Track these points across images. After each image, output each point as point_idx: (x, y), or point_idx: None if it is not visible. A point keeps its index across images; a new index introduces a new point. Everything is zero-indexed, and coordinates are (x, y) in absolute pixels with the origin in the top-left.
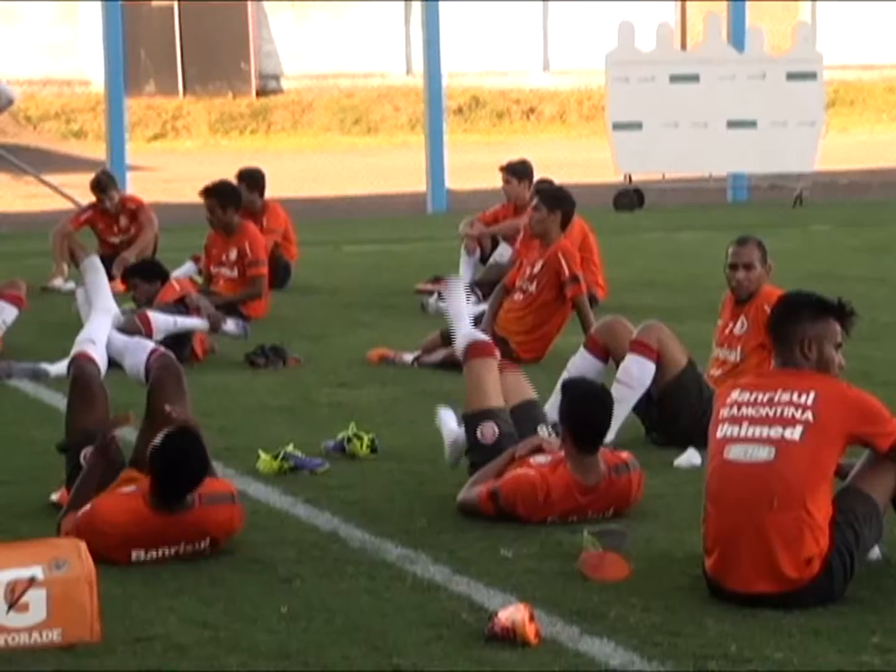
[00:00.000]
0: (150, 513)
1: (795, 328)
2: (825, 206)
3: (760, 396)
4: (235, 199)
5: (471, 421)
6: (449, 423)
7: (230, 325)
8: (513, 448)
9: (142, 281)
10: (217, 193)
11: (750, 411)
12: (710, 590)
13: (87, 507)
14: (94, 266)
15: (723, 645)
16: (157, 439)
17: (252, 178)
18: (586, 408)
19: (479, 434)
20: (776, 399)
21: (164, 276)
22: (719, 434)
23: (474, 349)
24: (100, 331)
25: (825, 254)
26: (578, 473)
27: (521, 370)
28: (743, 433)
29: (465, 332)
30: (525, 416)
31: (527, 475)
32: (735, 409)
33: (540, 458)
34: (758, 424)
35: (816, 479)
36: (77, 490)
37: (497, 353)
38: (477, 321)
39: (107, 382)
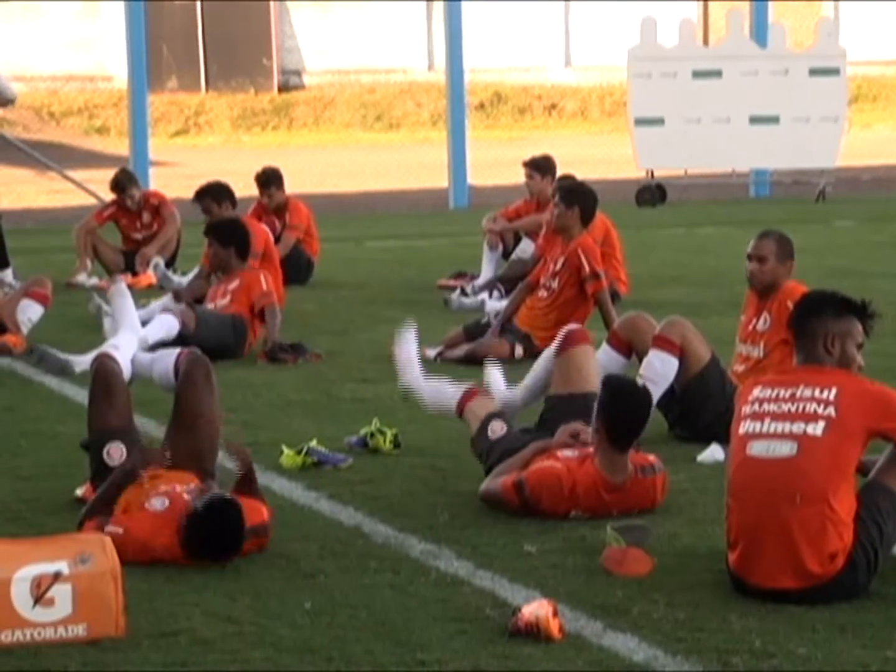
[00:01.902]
0: (182, 553)
1: (819, 324)
2: (848, 201)
3: (782, 392)
4: (230, 195)
5: (480, 431)
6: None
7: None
8: (540, 441)
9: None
10: (210, 192)
11: (772, 407)
12: (734, 585)
13: (118, 529)
14: (122, 292)
15: (747, 640)
16: (199, 504)
17: (275, 176)
18: (626, 405)
19: (489, 432)
20: (798, 395)
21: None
22: (741, 430)
23: (467, 397)
24: (125, 342)
25: (848, 250)
26: (606, 470)
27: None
28: (765, 429)
29: (443, 388)
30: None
31: (553, 467)
32: (757, 406)
33: (567, 452)
34: (780, 420)
35: (839, 475)
36: (100, 497)
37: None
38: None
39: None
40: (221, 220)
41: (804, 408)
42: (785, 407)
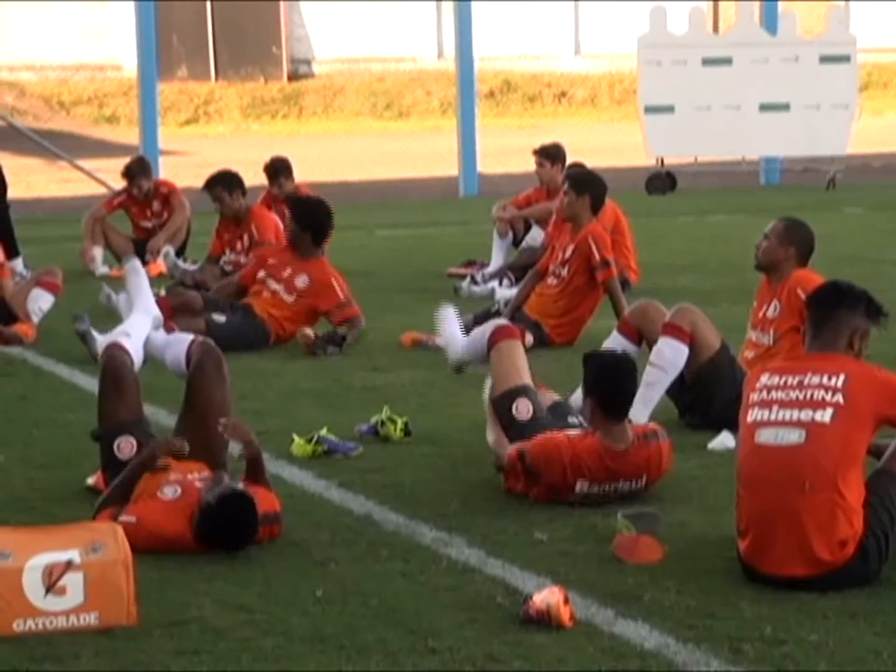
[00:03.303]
0: (195, 542)
1: (849, 317)
2: (858, 188)
3: (790, 380)
4: (240, 183)
5: (505, 399)
6: (451, 324)
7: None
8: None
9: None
10: (221, 181)
11: (780, 395)
12: (745, 573)
13: (131, 518)
14: (136, 269)
15: (758, 627)
16: (212, 498)
17: (283, 166)
18: (610, 374)
19: (514, 410)
20: (806, 382)
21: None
22: (749, 418)
23: (500, 332)
24: (137, 327)
25: (859, 237)
26: (608, 440)
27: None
28: (773, 417)
29: (478, 330)
30: (556, 414)
31: (555, 437)
32: (765, 393)
33: (570, 431)
34: (788, 408)
35: (848, 462)
36: (115, 488)
37: (520, 336)
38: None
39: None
40: (308, 200)
41: (812, 395)
42: (793, 394)
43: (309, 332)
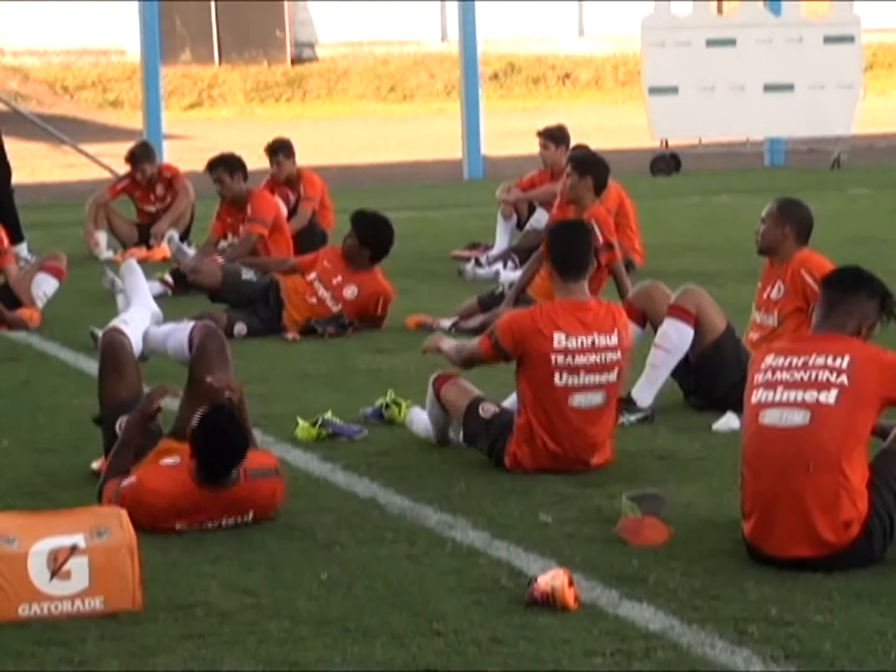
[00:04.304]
0: (196, 487)
1: (865, 306)
2: (863, 169)
3: (795, 360)
4: (241, 166)
5: (471, 412)
6: (418, 420)
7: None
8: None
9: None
10: (223, 163)
11: (784, 375)
12: (749, 554)
13: (132, 479)
14: (132, 269)
15: (763, 608)
16: (195, 420)
17: (283, 145)
18: (567, 239)
19: (481, 412)
20: (810, 363)
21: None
22: (754, 399)
23: (439, 381)
24: (136, 318)
25: (864, 217)
26: (569, 297)
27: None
28: (778, 398)
29: (428, 410)
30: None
31: (517, 311)
32: (770, 374)
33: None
34: (792, 389)
35: (852, 443)
36: (114, 458)
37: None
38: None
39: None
40: (374, 218)
41: (817, 376)
42: (798, 375)
43: None
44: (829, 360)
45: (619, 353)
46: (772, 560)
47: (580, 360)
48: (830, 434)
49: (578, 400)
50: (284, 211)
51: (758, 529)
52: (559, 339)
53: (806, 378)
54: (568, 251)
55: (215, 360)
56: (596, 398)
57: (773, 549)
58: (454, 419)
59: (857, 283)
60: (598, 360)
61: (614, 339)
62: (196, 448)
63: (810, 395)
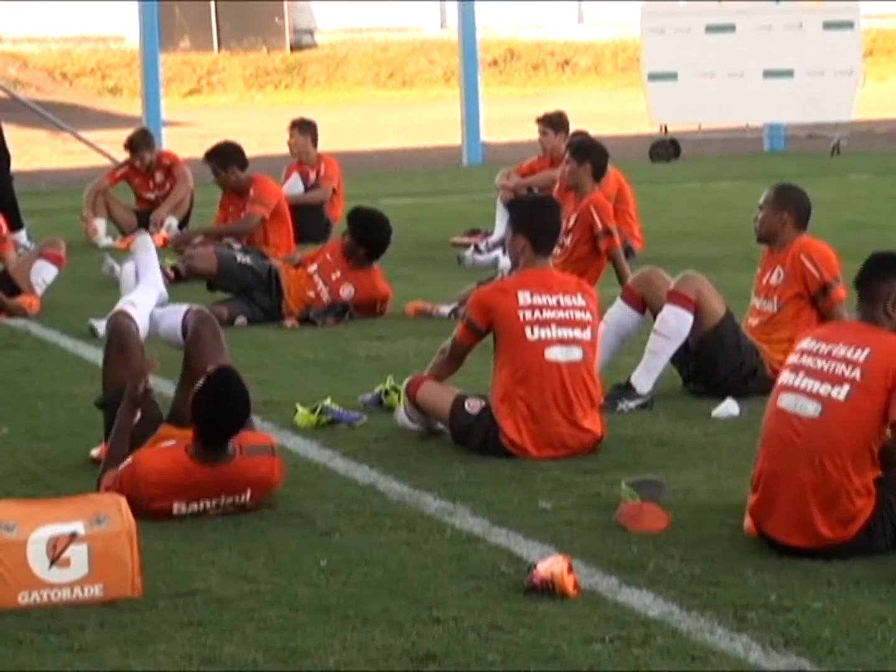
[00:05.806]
0: (192, 463)
1: (882, 285)
2: (863, 155)
3: (823, 348)
4: (235, 157)
5: (456, 408)
6: (403, 419)
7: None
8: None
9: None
10: (215, 156)
11: (809, 361)
12: (753, 525)
13: (128, 460)
14: (146, 245)
15: (762, 595)
16: (201, 381)
17: (305, 123)
18: (539, 211)
19: (467, 408)
20: (833, 353)
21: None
22: (781, 379)
23: (412, 385)
24: (144, 298)
25: (863, 203)
26: (533, 268)
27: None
28: (798, 383)
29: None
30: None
31: (484, 287)
32: (798, 357)
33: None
34: (811, 377)
35: (860, 441)
36: (112, 444)
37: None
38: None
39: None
40: (371, 216)
41: (834, 368)
42: (819, 364)
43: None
44: (850, 353)
45: (587, 314)
46: (769, 541)
47: (548, 314)
48: (839, 432)
49: (555, 353)
50: (301, 188)
51: (759, 505)
52: (524, 297)
53: (826, 369)
54: (545, 227)
55: (210, 347)
56: (574, 352)
57: (770, 531)
58: (437, 421)
59: (883, 267)
60: (567, 316)
61: (580, 300)
62: (198, 407)
63: (824, 389)
